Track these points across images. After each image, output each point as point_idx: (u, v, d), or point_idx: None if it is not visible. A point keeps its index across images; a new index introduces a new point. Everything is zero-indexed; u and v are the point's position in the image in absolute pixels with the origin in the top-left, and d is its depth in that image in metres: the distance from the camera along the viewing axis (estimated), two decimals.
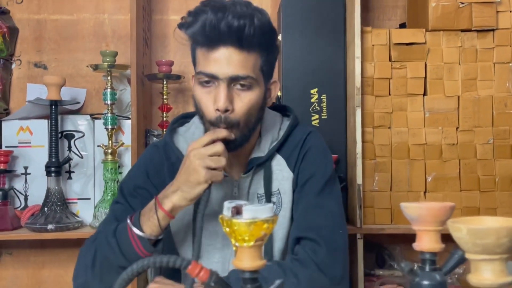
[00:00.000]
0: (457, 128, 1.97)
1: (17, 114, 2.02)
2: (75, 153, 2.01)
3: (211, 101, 1.07)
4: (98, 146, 2.00)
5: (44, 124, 2.01)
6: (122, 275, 0.68)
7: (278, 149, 1.19)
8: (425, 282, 0.75)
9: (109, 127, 1.92)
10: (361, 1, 1.87)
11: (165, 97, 1.97)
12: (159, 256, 0.67)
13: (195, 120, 1.23)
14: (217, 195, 1.18)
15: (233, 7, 1.03)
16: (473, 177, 1.97)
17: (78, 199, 2.01)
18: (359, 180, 1.88)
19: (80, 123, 2.02)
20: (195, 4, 1.07)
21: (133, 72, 1.87)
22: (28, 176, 2.00)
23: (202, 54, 1.07)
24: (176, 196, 1.04)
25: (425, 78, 1.98)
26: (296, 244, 1.09)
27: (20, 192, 2.00)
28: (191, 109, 2.18)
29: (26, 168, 2.00)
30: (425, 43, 1.97)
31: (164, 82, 1.96)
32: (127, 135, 1.99)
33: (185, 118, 1.27)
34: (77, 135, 2.02)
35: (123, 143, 1.97)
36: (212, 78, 1.06)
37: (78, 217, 1.96)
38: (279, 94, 2.02)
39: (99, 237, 1.12)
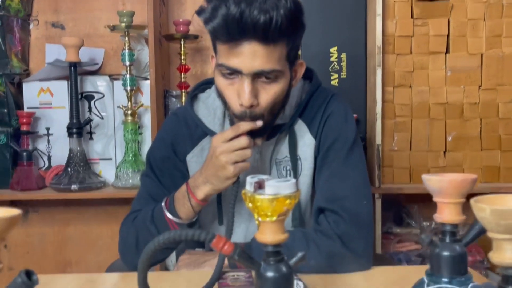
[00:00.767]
0: (479, 86, 1.94)
1: (37, 75, 2.03)
2: (96, 114, 2.04)
3: (235, 94, 1.02)
4: (117, 107, 2.01)
5: (64, 85, 2.02)
6: (149, 245, 0.71)
7: (300, 113, 1.16)
8: (445, 253, 0.75)
9: (128, 88, 1.93)
10: None
11: (183, 57, 1.96)
12: (185, 230, 0.68)
13: (211, 96, 1.20)
14: None
15: None
16: (495, 136, 1.95)
17: (100, 159, 2.05)
18: (378, 140, 1.87)
19: (99, 84, 2.03)
20: None
21: (151, 32, 1.86)
22: (50, 136, 2.04)
23: (223, 46, 1.00)
24: (207, 187, 1.05)
25: (448, 35, 1.93)
26: (320, 213, 1.10)
27: (43, 153, 2.04)
28: (209, 68, 2.17)
29: (48, 129, 2.03)
30: None
31: (182, 42, 1.95)
32: (146, 96, 2.00)
33: (206, 84, 1.24)
34: (96, 96, 2.03)
35: (142, 104, 1.98)
36: (235, 72, 1.00)
37: (100, 177, 2.00)
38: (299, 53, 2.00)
39: (138, 220, 1.14)
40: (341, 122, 1.15)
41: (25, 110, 2.01)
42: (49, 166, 2.04)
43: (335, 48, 1.97)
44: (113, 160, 2.04)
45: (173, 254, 1.44)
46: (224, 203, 1.16)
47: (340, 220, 1.05)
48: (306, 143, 1.15)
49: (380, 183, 1.88)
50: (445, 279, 0.75)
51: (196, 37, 1.99)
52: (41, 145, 2.04)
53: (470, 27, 1.92)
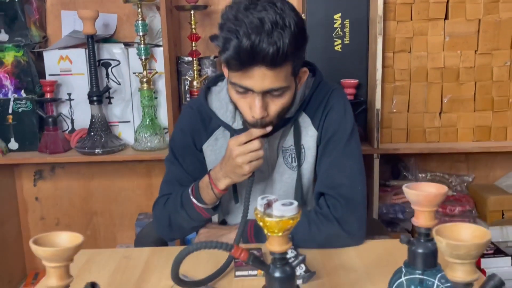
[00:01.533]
0: (475, 51, 2.04)
1: (55, 45, 2.15)
2: (113, 80, 2.17)
3: (247, 106, 1.15)
4: (133, 73, 2.14)
5: (82, 53, 2.14)
6: (181, 253, 0.88)
7: (304, 107, 1.30)
8: (420, 250, 0.93)
9: (143, 57, 2.05)
10: None
11: (193, 26, 2.06)
12: (207, 241, 0.86)
13: (224, 89, 1.32)
14: None
15: (262, 27, 1.03)
16: (488, 98, 2.08)
17: (119, 122, 2.21)
18: (378, 105, 2.01)
19: (115, 51, 2.15)
20: None
21: (162, 4, 1.95)
22: (72, 102, 2.19)
23: (234, 73, 1.11)
24: (227, 180, 1.22)
25: (447, 2, 2.01)
26: (320, 197, 1.27)
27: (66, 117, 2.20)
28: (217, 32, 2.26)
29: (69, 94, 2.18)
30: None
31: (192, 13, 2.04)
32: (159, 62, 2.12)
33: (218, 78, 1.37)
34: (113, 63, 2.16)
35: (156, 72, 2.11)
36: (247, 90, 1.12)
37: (121, 139, 2.17)
38: (303, 17, 2.08)
39: (169, 204, 1.32)
40: (341, 116, 1.29)
41: (47, 77, 2.15)
42: (73, 128, 2.20)
43: (339, 14, 2.06)
44: (131, 123, 2.20)
45: None
46: (239, 187, 1.34)
47: (338, 204, 1.23)
48: (309, 134, 1.31)
49: (379, 144, 2.03)
50: (418, 271, 0.93)
51: (205, 7, 2.07)
52: (64, 110, 2.20)
53: None
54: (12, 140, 2.14)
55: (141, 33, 2.03)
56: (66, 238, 0.78)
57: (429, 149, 2.07)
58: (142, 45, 2.04)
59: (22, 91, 2.12)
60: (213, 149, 1.35)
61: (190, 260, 0.88)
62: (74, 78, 2.16)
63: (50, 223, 2.45)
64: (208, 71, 2.16)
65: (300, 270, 1.08)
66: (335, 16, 2.06)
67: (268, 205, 0.86)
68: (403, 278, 0.94)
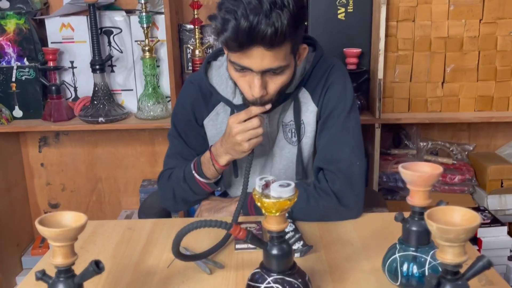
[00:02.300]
0: (480, 20, 2.02)
1: (57, 13, 2.14)
2: (115, 48, 2.17)
3: (247, 84, 1.16)
4: (135, 41, 2.14)
5: (83, 20, 2.13)
6: (182, 230, 0.91)
7: (305, 83, 1.30)
8: (413, 228, 0.96)
9: (145, 25, 2.04)
10: None
11: None
12: (207, 220, 0.89)
13: (223, 67, 1.33)
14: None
15: (261, 7, 1.02)
16: (491, 68, 2.07)
17: (122, 90, 2.22)
18: (380, 74, 2.00)
19: (117, 19, 2.14)
20: None
21: None
22: (74, 69, 2.19)
23: (233, 54, 1.12)
24: (227, 157, 1.24)
25: None
26: (319, 171, 1.29)
27: (69, 84, 2.21)
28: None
29: (72, 62, 2.18)
30: None
31: None
32: (161, 30, 2.11)
33: (219, 52, 1.37)
34: (115, 31, 2.15)
35: (158, 40, 2.10)
36: (246, 69, 1.13)
37: (124, 107, 2.18)
38: None
39: (173, 179, 1.36)
40: (340, 92, 1.30)
41: (49, 45, 2.15)
42: (76, 96, 2.22)
43: None
44: (134, 91, 2.21)
45: None
46: (239, 162, 1.36)
47: (336, 179, 1.25)
48: (309, 109, 1.32)
49: (380, 114, 2.04)
50: (412, 248, 0.96)
51: None
52: (67, 77, 2.20)
53: None
54: (16, 108, 2.15)
55: (142, 1, 2.01)
56: (71, 218, 0.81)
57: (431, 119, 2.08)
58: (143, 13, 2.02)
59: (25, 59, 2.13)
60: (214, 123, 1.37)
61: (192, 233, 0.91)
62: (76, 46, 2.16)
63: (56, 188, 2.49)
64: (210, 39, 2.15)
65: (297, 244, 1.11)
66: None
67: (266, 185, 0.88)
68: (397, 255, 0.97)
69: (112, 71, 2.19)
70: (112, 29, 2.15)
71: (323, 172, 1.28)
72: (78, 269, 0.82)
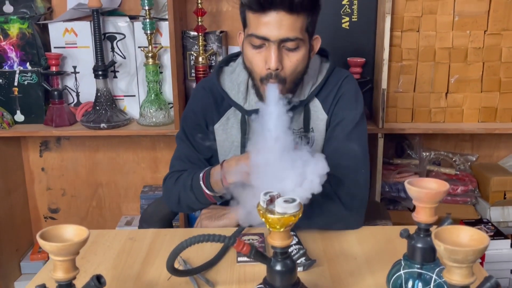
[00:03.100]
0: (485, 31, 2.01)
1: (60, 18, 2.13)
2: (118, 54, 2.16)
3: (263, 60, 1.19)
4: (139, 47, 2.13)
5: (87, 25, 2.12)
6: (182, 244, 0.90)
7: (317, 93, 1.33)
8: (419, 245, 0.94)
9: (148, 32, 2.03)
10: None
11: (199, 1, 2.03)
12: (210, 234, 0.88)
13: (241, 60, 1.34)
14: (259, 128, 1.36)
15: None
16: (495, 79, 2.06)
17: (124, 95, 2.21)
18: (384, 84, 1.99)
19: (120, 25, 2.13)
20: None
21: None
22: (77, 74, 2.18)
23: (253, 17, 1.18)
24: (236, 177, 1.20)
25: None
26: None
27: (72, 89, 2.20)
28: (223, 5, 2.24)
29: (75, 67, 2.17)
30: None
31: None
32: (165, 37, 2.11)
33: (231, 58, 1.41)
34: (118, 37, 2.14)
35: (162, 47, 2.09)
36: (263, 40, 1.17)
37: (126, 113, 2.17)
38: None
39: (179, 184, 1.34)
40: (351, 103, 1.33)
41: (52, 49, 2.14)
42: (78, 101, 2.21)
43: None
44: (136, 97, 2.20)
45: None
46: None
47: (340, 184, 1.25)
48: (320, 118, 1.34)
49: (383, 124, 2.03)
50: (417, 265, 0.94)
51: None
52: (69, 82, 2.20)
53: None
54: (18, 112, 2.15)
55: (146, 7, 2.01)
56: (72, 232, 0.79)
57: (434, 129, 2.07)
58: (147, 19, 2.02)
59: (28, 63, 2.12)
60: (224, 128, 1.38)
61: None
62: (79, 51, 2.15)
63: (56, 193, 2.48)
64: (214, 46, 2.14)
65: (300, 258, 1.10)
66: None
67: (271, 201, 0.87)
68: (402, 272, 0.96)
69: (115, 76, 2.18)
70: (116, 35, 2.14)
71: (328, 178, 1.27)
72: (78, 279, 0.81)
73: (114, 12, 2.20)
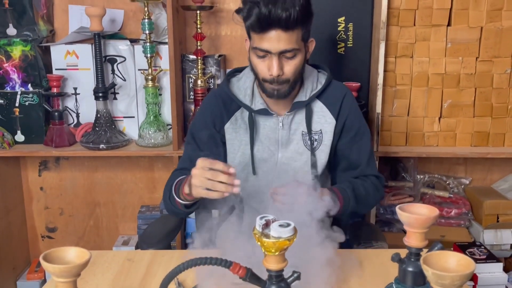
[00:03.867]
0: (476, 58, 2.07)
1: (62, 41, 2.18)
2: (118, 76, 2.20)
3: (266, 67, 1.38)
4: (139, 70, 2.17)
5: (88, 48, 2.17)
6: (171, 273, 0.92)
7: (318, 96, 1.49)
8: (410, 269, 0.97)
9: (148, 55, 2.08)
10: None
11: (198, 26, 2.08)
12: (206, 257, 0.90)
13: (246, 71, 1.53)
14: (264, 126, 1.49)
15: None
16: (487, 104, 2.11)
17: (124, 117, 2.24)
18: (378, 109, 2.04)
19: (121, 48, 2.18)
20: None
21: (169, 4, 1.98)
22: (77, 96, 2.22)
23: (256, 35, 1.35)
24: (188, 189, 1.29)
25: (451, 8, 2.03)
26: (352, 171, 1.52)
27: (72, 110, 2.24)
28: (222, 30, 2.30)
29: (75, 89, 2.21)
30: None
31: (198, 12, 2.07)
32: (164, 60, 2.15)
33: (236, 72, 1.57)
34: (119, 59, 2.19)
35: (161, 70, 2.14)
36: (266, 52, 1.36)
37: (125, 134, 2.21)
38: None
39: (167, 185, 1.44)
40: (359, 114, 1.56)
41: (54, 71, 2.18)
42: (78, 122, 2.24)
43: (343, 18, 2.08)
44: (135, 118, 2.24)
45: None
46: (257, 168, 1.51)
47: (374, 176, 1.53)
48: (328, 121, 1.50)
49: (378, 147, 2.07)
50: None
51: (211, 7, 2.10)
52: (70, 103, 2.23)
53: (472, 0, 2.01)
54: (19, 132, 2.18)
55: (147, 31, 2.06)
56: (74, 254, 0.82)
57: (428, 153, 2.11)
58: (148, 43, 2.07)
59: (29, 84, 2.16)
60: (234, 127, 1.50)
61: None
62: (80, 73, 2.20)
63: (54, 212, 2.50)
64: (212, 69, 2.19)
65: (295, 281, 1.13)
66: (339, 19, 2.08)
67: (266, 225, 0.90)
68: None
69: (115, 98, 2.22)
70: (116, 58, 2.19)
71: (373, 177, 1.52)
72: None
73: (115, 35, 2.25)
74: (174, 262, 0.96)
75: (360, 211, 1.55)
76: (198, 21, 2.08)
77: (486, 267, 1.93)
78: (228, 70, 2.26)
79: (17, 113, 2.16)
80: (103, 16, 2.05)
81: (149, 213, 2.36)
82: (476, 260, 1.94)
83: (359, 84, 2.10)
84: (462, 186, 2.39)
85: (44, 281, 2.34)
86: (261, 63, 1.38)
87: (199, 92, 2.13)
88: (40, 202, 2.50)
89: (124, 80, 2.21)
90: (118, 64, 2.19)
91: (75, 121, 2.25)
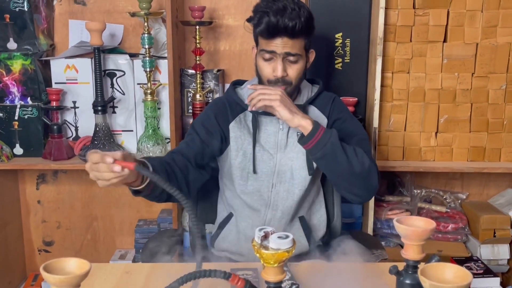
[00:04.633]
0: (472, 74, 2.09)
1: (63, 55, 2.20)
2: (117, 90, 2.22)
3: (271, 69, 1.51)
4: (138, 84, 2.19)
5: (88, 62, 2.19)
6: (176, 282, 0.93)
7: (312, 102, 1.62)
8: (407, 281, 0.98)
9: (148, 69, 2.10)
10: None
11: (198, 41, 2.10)
12: (204, 270, 0.91)
13: (248, 83, 1.66)
14: (265, 130, 1.57)
15: (285, 10, 1.44)
16: (483, 119, 2.13)
17: (122, 130, 2.26)
18: (375, 123, 2.06)
19: (120, 62, 2.20)
20: None
21: (168, 19, 2.00)
22: (76, 109, 2.23)
23: (264, 41, 1.50)
24: None
25: (446, 25, 2.06)
26: None
27: (71, 124, 2.25)
28: (221, 45, 2.33)
29: (74, 102, 2.23)
30: None
31: (197, 27, 2.09)
32: (163, 74, 2.17)
33: (238, 83, 1.69)
34: (118, 73, 2.20)
35: (160, 84, 2.16)
36: (272, 54, 1.49)
37: (123, 148, 2.22)
38: None
39: None
40: (346, 109, 1.67)
41: (53, 85, 2.20)
42: (77, 136, 2.25)
43: (340, 34, 2.11)
44: (134, 132, 2.25)
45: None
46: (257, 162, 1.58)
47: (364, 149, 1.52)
48: (320, 120, 1.57)
49: (375, 161, 2.08)
50: None
51: (210, 23, 2.13)
52: (69, 117, 2.24)
53: (468, 17, 2.04)
54: (17, 145, 2.19)
55: (146, 46, 2.08)
56: (74, 265, 0.83)
57: (425, 168, 2.12)
58: (147, 58, 2.09)
59: (29, 98, 2.17)
60: (239, 126, 1.57)
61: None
62: (79, 86, 2.21)
63: (51, 226, 2.50)
64: (211, 84, 2.21)
65: None
66: (337, 35, 2.11)
67: (265, 236, 0.91)
68: None
69: (114, 112, 2.24)
70: (116, 72, 2.21)
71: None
72: None
73: (114, 50, 2.28)
74: (173, 276, 0.96)
75: (337, 169, 1.47)
76: (197, 36, 2.10)
77: (484, 282, 1.93)
78: (227, 85, 2.31)
79: (16, 126, 2.17)
80: (103, 30, 2.07)
81: (147, 226, 2.36)
82: (474, 275, 1.94)
83: (356, 99, 2.12)
84: (459, 201, 2.40)
85: None
86: (267, 66, 1.51)
87: (198, 106, 2.15)
88: (37, 216, 2.50)
89: (123, 94, 2.22)
90: (117, 78, 2.21)
91: (74, 135, 2.26)
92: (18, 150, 2.19)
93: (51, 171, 2.43)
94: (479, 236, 2.23)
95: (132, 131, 2.25)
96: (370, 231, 2.13)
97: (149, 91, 2.12)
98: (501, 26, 2.05)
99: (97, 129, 2.14)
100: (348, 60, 2.13)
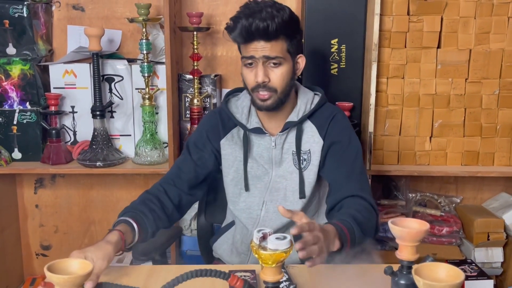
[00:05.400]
0: (466, 79, 2.12)
1: (61, 60, 2.22)
2: (116, 95, 2.24)
3: (253, 76, 1.45)
4: (136, 89, 2.21)
5: (86, 67, 2.21)
6: (170, 283, 0.95)
7: (310, 116, 1.54)
8: (402, 282, 1.00)
9: (146, 75, 2.12)
10: None
11: (195, 47, 2.13)
12: (204, 269, 0.93)
13: (244, 92, 1.59)
14: (258, 145, 1.55)
15: (260, 12, 1.40)
16: (476, 124, 2.16)
17: (120, 135, 2.28)
18: (370, 128, 2.08)
19: (118, 67, 2.22)
20: None
21: (166, 25, 2.03)
22: (75, 114, 2.25)
23: (243, 46, 1.46)
24: None
25: (440, 31, 2.09)
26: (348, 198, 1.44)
27: (69, 128, 2.27)
28: (218, 51, 2.35)
29: (73, 107, 2.25)
30: None
31: (195, 33, 2.12)
32: (161, 79, 2.20)
33: (236, 92, 1.64)
34: (116, 78, 2.23)
35: (158, 89, 2.18)
36: (251, 59, 1.44)
37: (121, 152, 2.24)
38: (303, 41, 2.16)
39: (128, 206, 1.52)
40: (347, 132, 1.54)
41: (52, 90, 2.22)
42: (75, 140, 2.27)
43: (336, 40, 2.14)
44: (132, 136, 2.27)
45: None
46: (250, 177, 1.57)
47: (366, 202, 1.44)
48: (316, 141, 1.52)
49: (371, 166, 2.11)
50: None
51: (207, 28, 2.15)
52: (67, 122, 2.26)
53: (461, 24, 2.08)
54: (16, 150, 2.20)
55: (144, 52, 2.10)
56: (77, 265, 0.85)
57: (419, 172, 2.15)
58: (145, 63, 2.11)
59: (27, 103, 2.19)
60: (230, 143, 1.57)
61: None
62: (78, 91, 2.23)
63: (48, 230, 2.51)
64: (208, 89, 2.23)
65: None
66: (333, 41, 2.14)
67: (263, 237, 0.93)
68: None
69: (112, 116, 2.26)
70: (114, 77, 2.23)
71: (353, 198, 1.44)
72: None
73: (113, 55, 2.30)
74: (172, 277, 0.98)
75: (367, 235, 1.40)
76: (195, 42, 2.13)
77: (477, 284, 1.96)
78: (224, 90, 2.35)
79: (14, 131, 2.19)
80: (101, 36, 2.09)
81: None
82: (467, 277, 1.97)
83: (352, 104, 2.15)
84: (453, 205, 2.43)
85: None
86: (249, 73, 1.46)
87: (195, 111, 2.17)
88: (35, 220, 2.51)
89: (121, 99, 2.24)
90: (115, 83, 2.23)
91: (72, 139, 2.28)
92: (17, 154, 2.21)
93: (49, 175, 2.44)
94: (473, 239, 2.25)
95: (130, 135, 2.27)
96: None
97: (147, 96, 2.14)
98: (494, 33, 2.09)
99: (95, 133, 2.16)
100: (344, 66, 2.16)
